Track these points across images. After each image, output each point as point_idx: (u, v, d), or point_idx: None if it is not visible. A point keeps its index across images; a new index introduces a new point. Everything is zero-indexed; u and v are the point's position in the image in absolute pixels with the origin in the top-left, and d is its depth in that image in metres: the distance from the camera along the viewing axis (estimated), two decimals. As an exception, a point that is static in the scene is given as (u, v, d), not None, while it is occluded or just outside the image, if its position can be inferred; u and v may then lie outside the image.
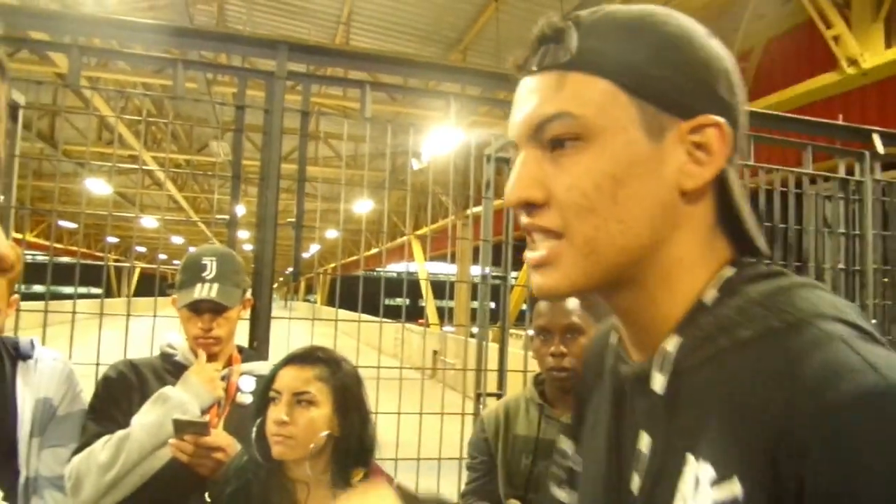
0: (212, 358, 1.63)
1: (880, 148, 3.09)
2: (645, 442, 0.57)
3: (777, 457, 0.44)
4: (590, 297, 0.61)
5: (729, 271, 0.57)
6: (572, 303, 1.52)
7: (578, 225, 0.54)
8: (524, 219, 0.57)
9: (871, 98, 6.01)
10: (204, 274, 1.61)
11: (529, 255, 0.58)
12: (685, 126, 0.55)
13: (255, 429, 1.33)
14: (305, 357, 1.36)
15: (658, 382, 0.56)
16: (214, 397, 1.55)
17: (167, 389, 1.52)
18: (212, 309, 1.60)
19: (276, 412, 1.30)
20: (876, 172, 3.08)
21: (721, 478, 0.47)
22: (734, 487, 0.46)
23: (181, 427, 1.42)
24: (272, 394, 1.33)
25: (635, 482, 0.57)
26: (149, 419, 1.47)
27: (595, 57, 0.55)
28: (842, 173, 3.12)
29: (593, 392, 0.71)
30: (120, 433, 1.47)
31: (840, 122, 3.28)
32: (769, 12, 6.11)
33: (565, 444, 0.77)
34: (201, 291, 1.59)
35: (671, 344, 0.56)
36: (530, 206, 0.56)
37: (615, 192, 0.54)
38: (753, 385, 0.47)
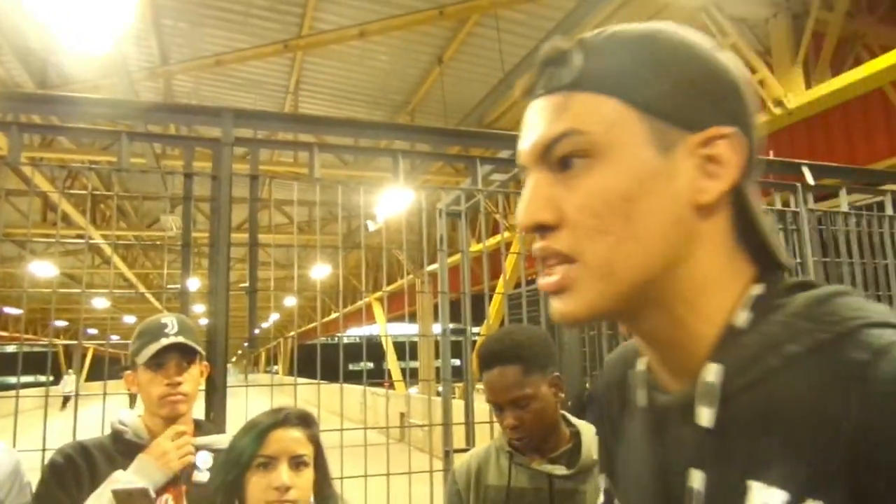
0: (177, 418, 1.56)
1: (810, 179, 3.26)
2: (697, 479, 0.54)
3: (856, 470, 0.43)
4: (610, 321, 0.59)
5: (757, 289, 0.55)
6: (513, 374, 1.47)
7: (590, 246, 0.53)
8: (537, 242, 0.56)
9: (800, 135, 6.34)
10: (166, 331, 1.58)
11: (543, 282, 0.56)
12: (694, 139, 0.54)
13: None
14: (300, 418, 1.32)
15: (705, 417, 0.53)
16: (167, 474, 1.47)
17: (117, 473, 1.44)
18: (177, 361, 1.56)
19: (275, 478, 1.22)
20: (809, 202, 3.23)
21: (794, 501, 0.46)
22: None
23: (122, 499, 1.34)
24: (262, 460, 1.25)
25: None
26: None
27: (599, 76, 0.54)
28: (778, 206, 3.26)
29: (621, 420, 0.68)
30: None
31: (771, 157, 3.45)
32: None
33: (602, 481, 0.74)
34: (167, 341, 1.55)
35: (711, 373, 0.53)
36: (543, 229, 0.55)
37: (628, 210, 0.52)
38: (818, 400, 0.46)
